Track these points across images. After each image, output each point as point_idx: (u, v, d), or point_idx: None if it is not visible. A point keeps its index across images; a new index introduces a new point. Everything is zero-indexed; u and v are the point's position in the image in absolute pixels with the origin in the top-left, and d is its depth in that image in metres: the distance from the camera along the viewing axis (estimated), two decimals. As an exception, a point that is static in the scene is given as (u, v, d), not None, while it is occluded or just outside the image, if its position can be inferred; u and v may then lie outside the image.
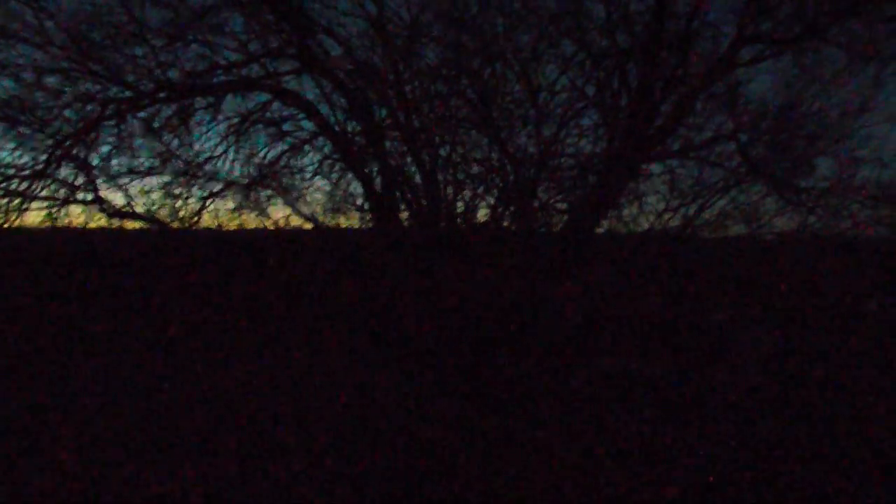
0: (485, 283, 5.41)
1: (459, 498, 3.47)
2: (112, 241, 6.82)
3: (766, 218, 6.10)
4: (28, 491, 3.48)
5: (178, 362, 5.32)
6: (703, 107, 6.19)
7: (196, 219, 6.69)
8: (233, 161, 7.04)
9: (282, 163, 6.95)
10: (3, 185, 6.02)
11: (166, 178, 6.61)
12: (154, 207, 6.56)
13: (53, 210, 6.23)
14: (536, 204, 6.18)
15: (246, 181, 6.73)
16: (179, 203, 6.63)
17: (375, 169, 6.44)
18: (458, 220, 6.14)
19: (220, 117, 6.78)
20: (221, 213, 6.79)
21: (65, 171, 6.26)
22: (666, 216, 6.04)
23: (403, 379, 4.97)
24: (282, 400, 4.63)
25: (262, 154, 6.94)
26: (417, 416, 4.35)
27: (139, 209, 6.48)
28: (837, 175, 6.00)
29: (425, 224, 6.13)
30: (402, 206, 6.37)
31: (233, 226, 6.75)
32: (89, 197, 6.34)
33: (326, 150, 6.94)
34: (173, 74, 6.21)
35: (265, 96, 6.77)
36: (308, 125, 6.91)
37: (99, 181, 6.41)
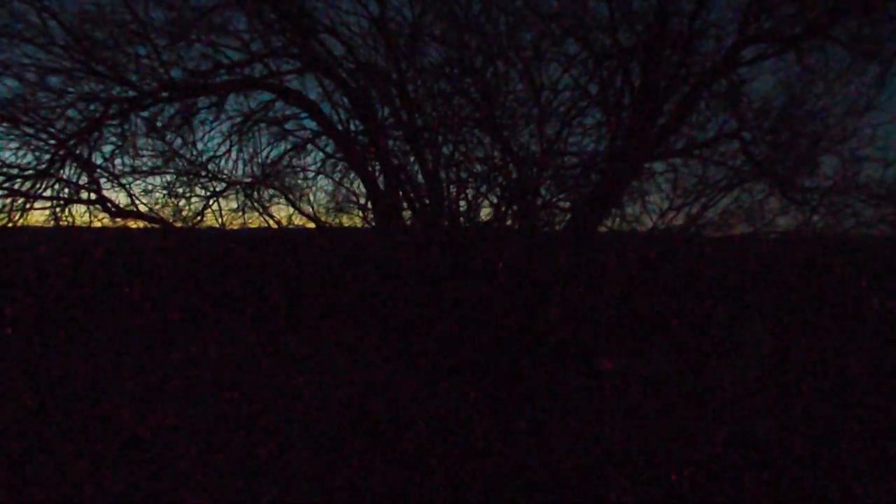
0: (485, 283, 5.42)
1: (459, 497, 3.47)
2: (115, 240, 6.83)
3: (769, 217, 6.10)
4: (28, 491, 3.49)
5: (178, 362, 5.34)
6: (707, 105, 6.19)
7: (199, 218, 6.70)
8: (235, 160, 7.07)
9: (284, 162, 6.96)
10: (7, 184, 6.03)
11: (169, 178, 6.63)
12: (157, 207, 6.58)
13: (57, 210, 6.24)
14: (539, 202, 6.17)
15: (249, 180, 6.73)
16: (182, 202, 6.65)
17: (378, 168, 6.44)
18: (461, 218, 6.13)
19: (223, 117, 6.79)
20: (224, 213, 6.78)
21: (68, 171, 6.28)
22: (669, 215, 6.04)
23: (404, 377, 4.98)
24: (283, 399, 4.64)
25: (264, 153, 6.94)
26: (417, 416, 4.36)
27: (142, 209, 6.50)
28: (841, 174, 6.00)
29: (428, 223, 6.12)
30: (405, 206, 6.37)
31: (236, 225, 6.76)
32: (93, 196, 6.35)
33: (329, 149, 6.95)
34: (176, 74, 6.22)
35: (268, 96, 6.78)
36: (311, 124, 6.93)
37: (102, 181, 6.43)
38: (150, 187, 6.72)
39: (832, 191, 6.00)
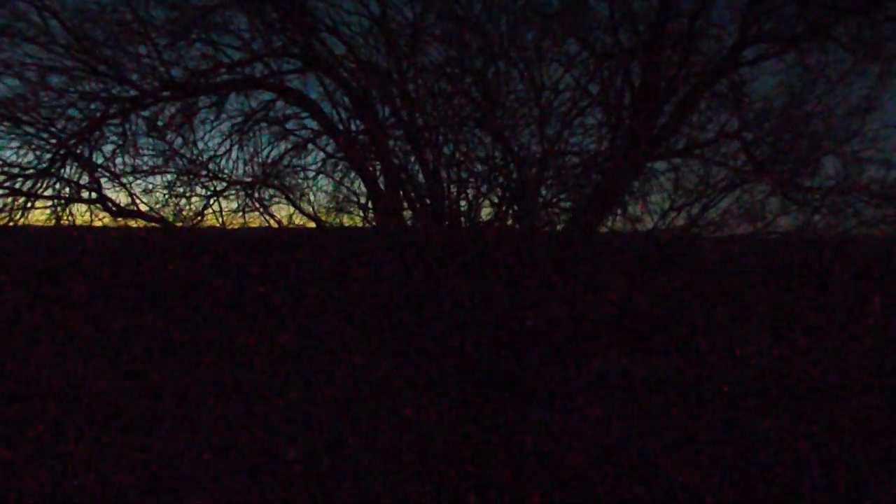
0: (486, 283, 5.42)
1: (459, 497, 3.47)
2: (116, 239, 6.83)
3: (770, 217, 6.09)
4: (28, 491, 3.49)
5: (179, 361, 5.34)
6: (708, 105, 6.19)
7: (199, 218, 6.69)
8: (236, 160, 7.06)
9: (285, 162, 6.95)
10: (8, 184, 6.04)
11: (170, 177, 6.63)
12: (158, 206, 6.58)
13: (58, 209, 6.24)
14: (540, 202, 6.17)
15: (249, 180, 6.73)
16: (183, 202, 6.65)
17: (378, 168, 6.44)
18: (462, 218, 6.13)
19: (224, 116, 6.78)
20: (225, 212, 6.78)
21: (69, 170, 6.29)
22: (670, 215, 6.03)
23: (403, 377, 4.97)
24: (284, 398, 4.64)
25: (265, 153, 6.94)
26: (417, 416, 4.36)
27: (143, 208, 6.50)
28: (842, 174, 5.99)
29: (429, 223, 6.12)
30: (406, 205, 6.37)
31: (236, 224, 6.75)
32: (93, 196, 6.36)
33: (329, 148, 6.95)
34: (177, 73, 6.22)
35: (268, 95, 6.77)
36: (311, 124, 6.92)
37: (103, 180, 6.43)
38: (150, 187, 6.71)
39: (833, 191, 5.99)
